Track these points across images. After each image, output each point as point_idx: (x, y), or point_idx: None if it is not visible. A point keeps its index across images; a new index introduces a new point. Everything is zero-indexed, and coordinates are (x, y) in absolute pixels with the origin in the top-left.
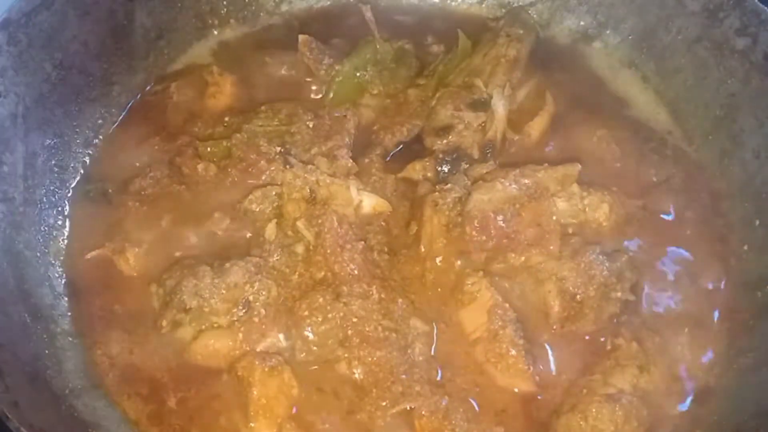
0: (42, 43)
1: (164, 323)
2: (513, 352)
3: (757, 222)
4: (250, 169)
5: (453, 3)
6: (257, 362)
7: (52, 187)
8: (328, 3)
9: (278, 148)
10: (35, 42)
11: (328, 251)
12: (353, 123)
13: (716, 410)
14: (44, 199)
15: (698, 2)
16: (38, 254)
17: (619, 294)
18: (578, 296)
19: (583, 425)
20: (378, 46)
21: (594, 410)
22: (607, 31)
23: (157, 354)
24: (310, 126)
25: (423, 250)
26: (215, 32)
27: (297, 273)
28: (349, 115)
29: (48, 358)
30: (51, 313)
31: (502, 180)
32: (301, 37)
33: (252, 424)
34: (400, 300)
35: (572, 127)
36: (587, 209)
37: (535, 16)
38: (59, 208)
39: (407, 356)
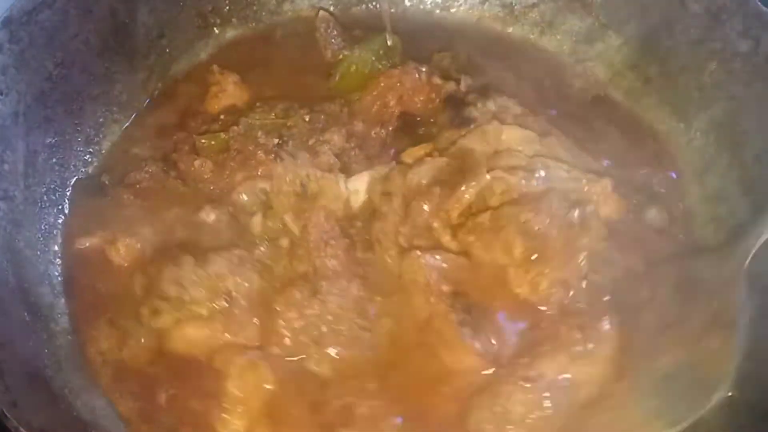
0: (43, 42)
1: (144, 311)
2: (450, 330)
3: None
4: (249, 161)
5: (455, 3)
6: (235, 355)
7: (52, 186)
8: (330, 3)
9: (276, 140)
10: (37, 40)
11: (311, 246)
12: (348, 116)
13: (715, 413)
14: (45, 198)
15: (701, 4)
16: (38, 253)
17: (585, 240)
18: (540, 231)
19: (494, 405)
20: (389, 39)
21: (506, 391)
22: (610, 33)
23: (140, 344)
24: (307, 120)
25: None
26: (216, 31)
27: (281, 266)
28: (344, 109)
29: (47, 357)
30: (50, 311)
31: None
32: (321, 12)
33: (225, 416)
34: (378, 298)
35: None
36: (587, 184)
37: (537, 17)
38: (60, 207)
39: (376, 354)
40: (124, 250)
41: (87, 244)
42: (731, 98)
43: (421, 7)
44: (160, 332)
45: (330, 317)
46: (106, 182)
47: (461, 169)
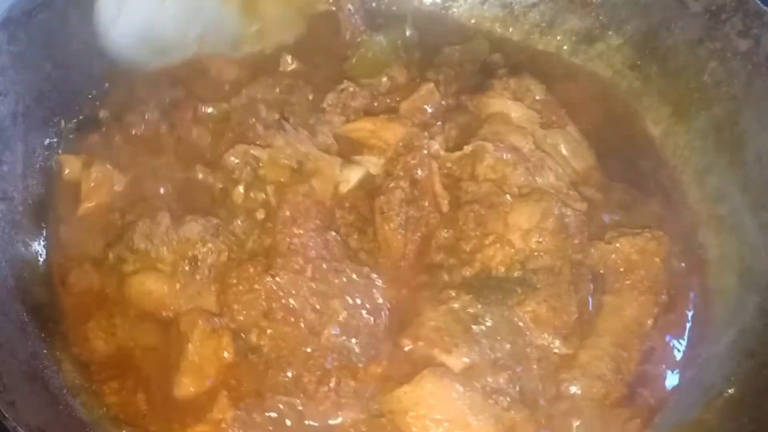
0: (42, 42)
1: (110, 255)
2: None
3: (758, 224)
4: (247, 133)
5: (454, 4)
6: (200, 321)
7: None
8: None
9: (276, 116)
10: (36, 41)
11: (279, 221)
12: (356, 103)
13: (716, 414)
14: (44, 198)
15: (700, 4)
16: (37, 253)
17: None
18: None
19: None
20: (407, 30)
21: None
22: (610, 33)
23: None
24: (310, 98)
25: (383, 255)
26: None
27: (251, 240)
28: (352, 89)
29: (45, 357)
30: (49, 312)
31: None
32: None
33: (183, 379)
34: (336, 280)
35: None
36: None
37: (537, 17)
38: None
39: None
40: (96, 174)
41: (67, 171)
42: (732, 98)
43: (421, 7)
44: (122, 274)
45: (281, 293)
46: (103, 118)
47: None
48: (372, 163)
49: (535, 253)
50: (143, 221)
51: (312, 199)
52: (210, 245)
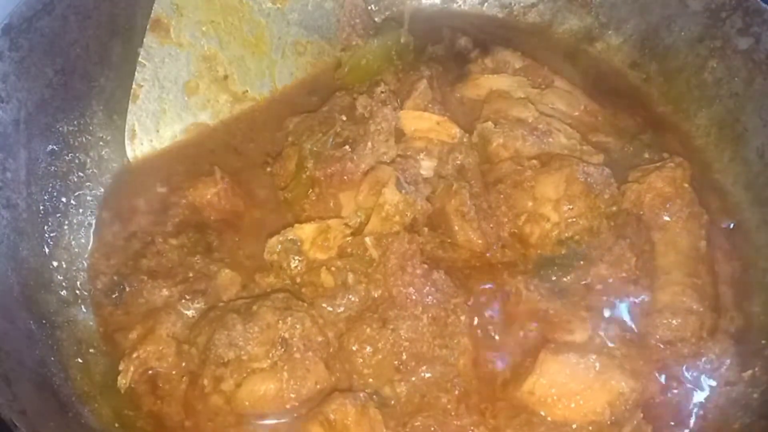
0: (43, 49)
1: (206, 382)
2: None
3: (761, 220)
4: (344, 178)
5: (454, 4)
6: (349, 403)
7: (54, 193)
8: None
9: (346, 147)
10: (37, 47)
11: (389, 272)
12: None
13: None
14: (47, 205)
15: (700, 2)
16: (42, 260)
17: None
18: None
19: None
20: (403, 37)
21: None
22: (609, 32)
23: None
24: (344, 118)
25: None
26: None
27: (324, 301)
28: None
29: (54, 365)
30: (56, 319)
31: None
32: None
33: None
34: (451, 317)
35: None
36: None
37: (537, 17)
38: (61, 214)
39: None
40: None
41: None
42: (732, 95)
43: (420, 8)
44: (226, 393)
45: (406, 343)
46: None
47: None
48: (424, 168)
49: (570, 221)
50: (218, 332)
51: (416, 242)
52: (290, 319)
